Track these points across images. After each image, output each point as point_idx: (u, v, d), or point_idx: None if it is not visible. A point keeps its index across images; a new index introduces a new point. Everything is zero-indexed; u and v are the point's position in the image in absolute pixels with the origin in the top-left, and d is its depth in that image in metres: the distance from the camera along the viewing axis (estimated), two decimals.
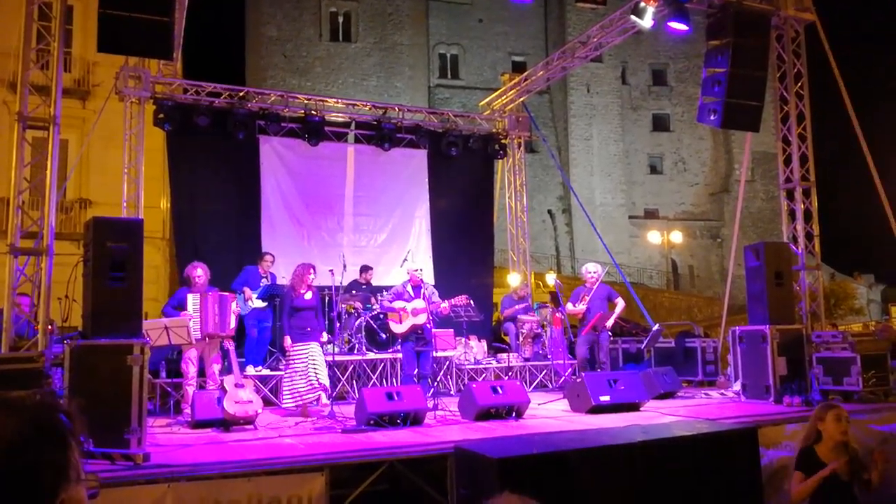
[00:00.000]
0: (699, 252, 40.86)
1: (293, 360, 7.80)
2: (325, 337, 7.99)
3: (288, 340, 7.85)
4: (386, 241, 12.30)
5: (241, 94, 11.37)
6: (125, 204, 10.12)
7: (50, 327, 6.14)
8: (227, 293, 8.19)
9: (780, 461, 6.40)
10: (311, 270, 8.03)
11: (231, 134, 10.91)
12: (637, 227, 39.68)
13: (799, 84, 9.57)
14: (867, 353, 7.80)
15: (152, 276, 16.03)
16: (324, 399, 7.66)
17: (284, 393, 7.92)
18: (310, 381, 7.69)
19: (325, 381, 7.77)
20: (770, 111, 9.83)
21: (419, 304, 8.22)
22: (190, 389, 7.54)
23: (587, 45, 11.44)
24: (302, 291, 7.98)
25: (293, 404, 7.70)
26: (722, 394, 9.16)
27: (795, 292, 8.93)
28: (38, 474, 0.93)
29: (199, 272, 7.89)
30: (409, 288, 8.38)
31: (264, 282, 9.54)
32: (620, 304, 9.57)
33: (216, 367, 7.67)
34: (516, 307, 11.54)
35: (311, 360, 7.74)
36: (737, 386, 8.68)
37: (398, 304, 8.29)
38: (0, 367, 5.46)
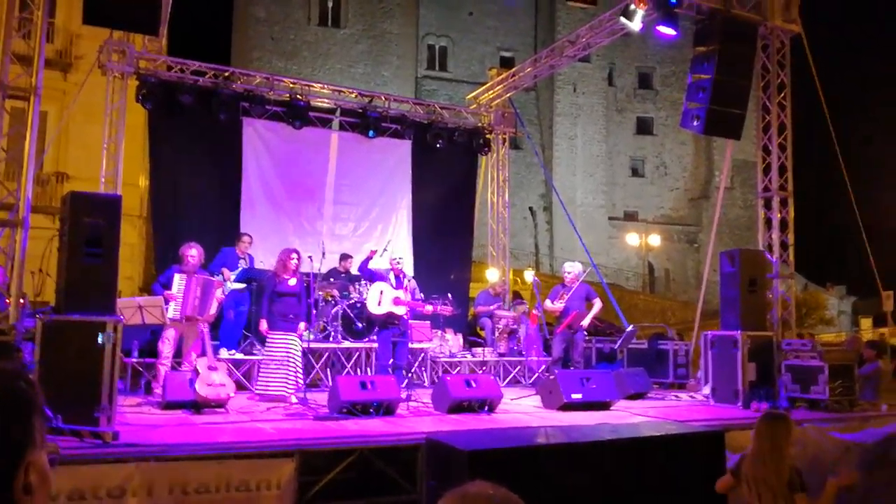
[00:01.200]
0: (676, 256, 41.27)
1: (273, 348, 7.71)
2: (301, 326, 7.90)
3: (264, 324, 7.79)
4: (366, 231, 12.27)
5: (226, 74, 11.26)
6: (103, 180, 9.98)
7: (22, 301, 6.06)
8: (214, 279, 8.13)
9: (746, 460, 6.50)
10: (294, 255, 7.96)
11: (214, 114, 10.80)
12: (616, 228, 39.98)
13: (782, 94, 9.69)
14: (835, 362, 7.94)
15: (127, 254, 15.87)
16: (293, 400, 7.52)
17: (259, 379, 7.88)
18: (287, 375, 7.58)
19: (300, 382, 7.70)
20: (752, 120, 9.95)
21: (402, 295, 8.22)
22: (163, 369, 7.48)
23: (576, 45, 11.48)
24: (286, 277, 7.89)
25: (265, 392, 7.65)
26: (692, 396, 9.28)
27: (768, 300, 9.06)
28: (3, 437, 0.94)
29: (193, 252, 7.83)
30: (391, 276, 8.38)
31: (242, 263, 9.48)
32: (598, 304, 9.62)
33: (194, 354, 7.58)
34: (491, 307, 11.59)
35: (293, 355, 7.64)
36: (706, 389, 8.80)
37: (382, 286, 8.26)
38: None
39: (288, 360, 7.60)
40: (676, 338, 11.51)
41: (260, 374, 7.96)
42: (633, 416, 7.28)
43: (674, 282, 41.02)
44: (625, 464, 5.18)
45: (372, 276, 8.50)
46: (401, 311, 8.20)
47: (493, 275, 13.35)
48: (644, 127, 42.15)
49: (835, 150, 9.81)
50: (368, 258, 8.78)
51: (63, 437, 4.83)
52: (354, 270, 10.95)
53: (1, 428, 0.94)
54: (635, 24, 9.27)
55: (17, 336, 5.49)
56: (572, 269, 9.67)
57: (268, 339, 7.79)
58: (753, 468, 3.94)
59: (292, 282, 7.89)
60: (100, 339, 5.57)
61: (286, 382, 7.54)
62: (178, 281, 7.67)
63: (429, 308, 8.36)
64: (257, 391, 7.84)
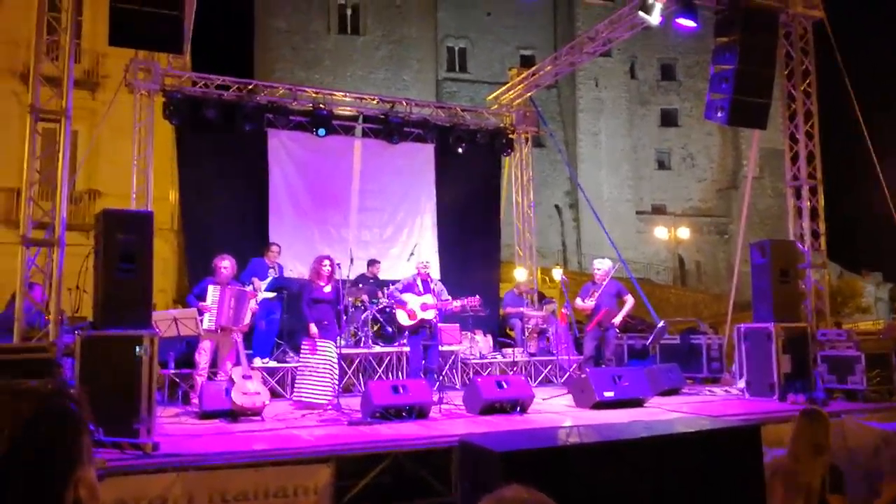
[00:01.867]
0: (706, 248, 40.78)
1: (309, 354, 7.77)
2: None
3: (313, 328, 7.81)
4: (392, 236, 12.34)
5: (249, 87, 11.42)
6: (134, 196, 10.20)
7: (60, 318, 6.22)
8: (247, 289, 8.26)
9: (782, 459, 6.42)
10: (326, 262, 8.03)
11: (239, 127, 10.96)
12: (644, 222, 39.62)
13: (807, 82, 9.55)
14: (872, 351, 7.82)
15: (161, 267, 16.12)
16: (327, 407, 7.56)
17: (296, 386, 7.94)
18: (323, 382, 7.62)
19: (335, 389, 7.76)
20: (777, 108, 9.83)
21: (429, 299, 8.27)
22: (199, 380, 7.62)
23: (595, 41, 11.43)
24: (321, 284, 7.96)
25: (301, 399, 7.71)
26: (726, 391, 9.18)
27: (801, 290, 8.94)
28: (53, 455, 0.99)
29: (226, 264, 7.97)
30: (418, 282, 8.43)
31: (272, 273, 9.61)
32: (630, 301, 9.37)
33: (229, 364, 7.71)
34: (519, 307, 11.58)
35: (329, 361, 7.68)
36: (741, 383, 8.70)
37: (408, 297, 8.33)
38: (12, 357, 5.55)
39: (323, 367, 7.66)
40: (709, 331, 11.38)
41: (296, 381, 8.04)
42: (667, 413, 7.23)
43: (705, 274, 40.54)
44: (659, 461, 5.15)
45: (400, 302, 8.54)
46: (430, 315, 8.25)
47: (521, 274, 13.34)
48: (669, 119, 41.74)
49: (863, 134, 9.64)
50: (392, 293, 8.92)
51: (105, 449, 4.95)
52: (381, 276, 11.05)
53: (51, 446, 0.99)
54: (654, 18, 9.21)
55: (57, 352, 5.64)
56: (602, 265, 9.49)
57: (303, 346, 7.86)
58: (792, 469, 3.85)
59: (327, 289, 7.96)
60: (137, 352, 5.69)
61: (322, 389, 7.61)
62: (211, 292, 7.80)
63: (456, 304, 8.37)
64: (294, 398, 7.91)
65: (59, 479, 0.98)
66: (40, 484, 0.97)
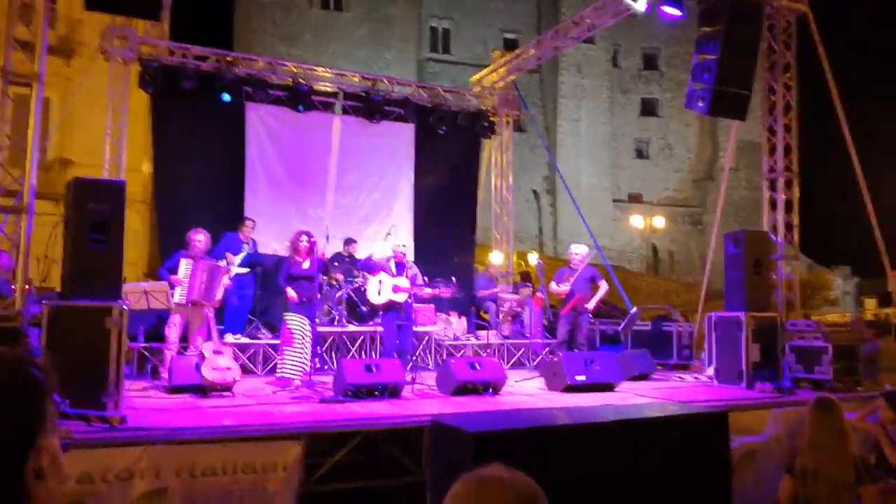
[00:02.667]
0: (680, 238, 41.20)
1: (290, 329, 7.67)
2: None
3: (291, 292, 7.78)
4: (369, 215, 12.26)
5: (228, 58, 11.23)
6: (107, 166, 10.02)
7: (28, 287, 6.09)
8: (220, 264, 8.15)
9: (750, 445, 6.53)
10: (304, 237, 7.95)
11: (217, 99, 10.77)
12: (620, 210, 39.88)
13: (787, 75, 9.63)
14: (839, 343, 7.96)
15: (131, 239, 15.84)
16: (297, 383, 7.50)
17: (282, 361, 7.84)
18: (298, 358, 7.53)
19: (307, 366, 7.69)
20: (757, 101, 9.88)
21: (402, 282, 8.23)
22: (169, 354, 7.53)
23: (580, 26, 11.40)
24: (299, 259, 7.89)
25: (285, 374, 7.61)
26: (696, 378, 9.30)
27: (773, 281, 9.05)
28: (16, 422, 0.95)
29: (200, 237, 7.86)
30: (391, 265, 8.39)
31: (246, 248, 9.52)
32: (604, 286, 9.47)
33: (200, 339, 7.62)
34: (491, 290, 11.61)
35: (305, 338, 7.60)
36: (710, 370, 8.81)
37: (381, 275, 8.29)
38: None
39: (301, 344, 7.59)
40: (680, 319, 11.52)
41: (280, 357, 7.93)
42: (637, 398, 7.31)
43: (678, 263, 40.97)
44: (629, 445, 5.20)
45: (371, 268, 8.52)
46: (401, 297, 8.22)
47: (497, 257, 13.35)
48: (649, 108, 41.92)
49: (841, 130, 9.74)
50: (368, 257, 8.85)
51: (71, 421, 4.87)
52: (359, 255, 10.99)
53: (13, 413, 0.95)
54: (640, 5, 9.20)
55: (23, 321, 5.53)
56: (579, 250, 9.56)
57: (287, 320, 7.76)
58: (814, 460, 3.70)
59: (306, 265, 7.89)
60: (106, 324, 5.60)
61: (297, 365, 7.55)
62: (184, 266, 7.70)
63: (427, 291, 8.37)
64: (278, 374, 7.77)
65: (21, 447, 0.95)
66: (1, 451, 0.93)
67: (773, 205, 9.59)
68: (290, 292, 7.79)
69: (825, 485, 3.63)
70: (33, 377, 1.00)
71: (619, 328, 10.53)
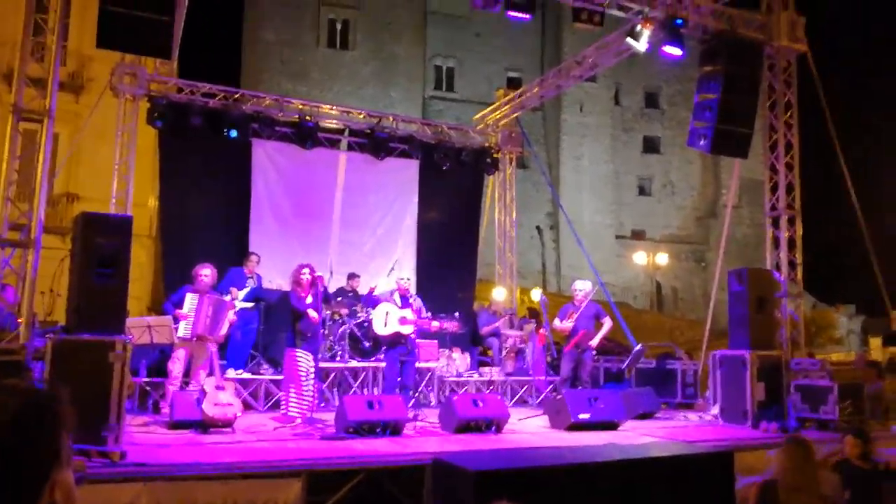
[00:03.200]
0: (683, 275, 41.13)
1: (299, 366, 7.63)
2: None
3: (312, 313, 7.77)
4: (372, 250, 12.30)
5: (235, 95, 11.38)
6: (114, 200, 10.09)
7: (32, 320, 6.10)
8: (226, 299, 8.17)
9: (754, 486, 6.45)
10: (305, 270, 7.96)
11: (224, 135, 10.90)
12: (623, 247, 39.89)
13: (788, 113, 9.71)
14: (845, 382, 7.89)
15: (136, 274, 15.84)
16: (297, 420, 7.48)
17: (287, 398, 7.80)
18: (302, 395, 7.52)
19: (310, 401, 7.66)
20: (758, 139, 9.96)
21: (408, 314, 8.22)
22: (172, 389, 7.50)
23: (582, 65, 11.56)
24: (302, 295, 7.89)
25: (290, 412, 7.57)
26: (700, 416, 9.22)
27: (777, 319, 9.03)
28: (33, 454, 0.96)
29: (207, 272, 7.90)
30: (396, 297, 8.39)
31: (250, 283, 9.54)
32: (608, 323, 9.40)
33: (203, 374, 7.61)
34: (493, 325, 11.57)
35: (309, 374, 7.57)
36: (715, 409, 8.74)
37: (388, 308, 8.27)
38: None
39: (306, 380, 7.56)
40: (685, 357, 11.45)
41: (284, 394, 7.89)
42: (642, 437, 7.24)
43: (682, 300, 40.84)
44: (633, 485, 5.15)
45: (374, 303, 8.52)
46: (407, 329, 8.20)
47: (500, 293, 13.34)
48: (651, 146, 42.21)
49: (841, 168, 9.81)
50: (370, 291, 8.86)
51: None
52: (362, 290, 11.00)
53: (28, 446, 0.96)
54: (641, 45, 9.33)
55: (27, 355, 5.53)
56: (583, 287, 9.50)
57: (287, 358, 7.74)
58: (786, 498, 3.78)
59: (308, 299, 7.89)
60: (109, 358, 5.60)
61: (301, 403, 7.52)
62: (189, 300, 7.72)
63: (435, 324, 8.35)
64: (283, 411, 7.73)
65: (35, 480, 0.96)
66: (15, 483, 0.94)
67: (776, 242, 9.60)
68: (312, 313, 7.74)
69: None
70: (49, 410, 1.01)
71: (624, 365, 10.47)
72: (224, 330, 7.90)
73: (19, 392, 1.02)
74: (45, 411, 1.00)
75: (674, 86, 41.05)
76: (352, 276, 11.07)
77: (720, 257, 12.27)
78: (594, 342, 9.29)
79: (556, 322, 9.50)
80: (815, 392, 7.96)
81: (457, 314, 9.77)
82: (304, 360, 7.58)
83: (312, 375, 7.59)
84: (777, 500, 3.90)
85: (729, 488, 5.63)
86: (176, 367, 7.66)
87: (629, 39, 9.52)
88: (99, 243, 5.86)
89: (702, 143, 9.20)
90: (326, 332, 9.62)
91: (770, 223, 9.78)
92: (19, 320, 5.93)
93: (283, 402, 7.71)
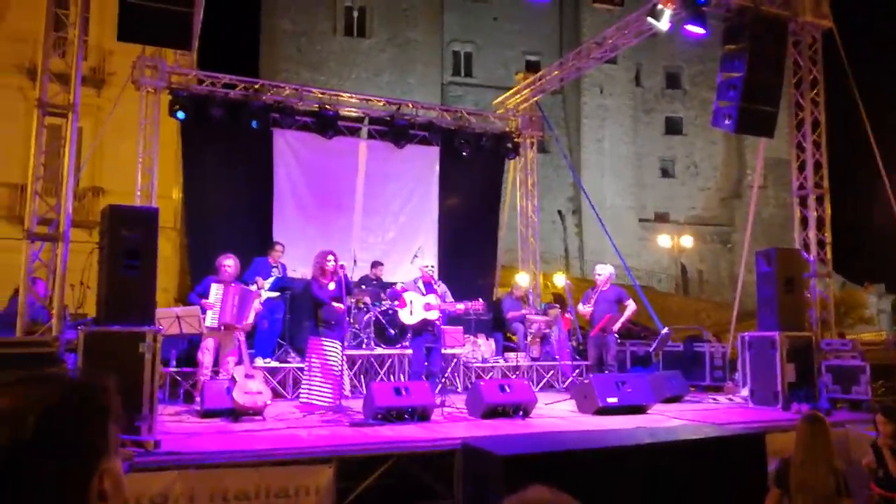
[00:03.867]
0: (709, 257, 40.71)
1: (322, 354, 7.59)
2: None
3: (337, 303, 7.72)
4: (395, 238, 12.32)
5: (255, 86, 11.41)
6: (139, 193, 10.18)
7: (63, 313, 6.19)
8: (251, 288, 8.23)
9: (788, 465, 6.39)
10: (330, 257, 7.93)
11: (245, 126, 10.95)
12: (647, 230, 39.57)
13: (815, 91, 9.54)
14: (877, 362, 7.78)
15: (162, 266, 15.94)
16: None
17: (303, 387, 7.80)
18: (326, 385, 7.43)
19: (345, 390, 7.63)
20: (784, 117, 9.79)
21: (432, 299, 8.20)
22: (202, 379, 7.59)
23: (602, 46, 11.43)
24: (325, 281, 7.85)
25: (308, 401, 7.55)
26: (730, 399, 9.14)
27: (806, 299, 8.90)
28: (78, 443, 0.96)
29: (230, 262, 7.96)
30: (420, 284, 8.39)
31: (275, 272, 9.59)
32: (631, 306, 9.29)
33: (231, 361, 7.70)
34: (521, 312, 11.53)
35: (336, 363, 7.51)
36: (745, 392, 8.66)
37: (411, 295, 8.26)
38: (15, 351, 5.53)
39: (328, 368, 7.56)
40: (713, 339, 11.36)
41: (302, 383, 7.91)
42: (671, 420, 7.20)
43: (707, 283, 40.46)
44: (663, 468, 5.12)
45: (397, 297, 8.47)
46: (433, 315, 8.18)
47: (523, 279, 13.31)
48: (673, 127, 41.71)
49: (870, 144, 9.61)
50: (393, 287, 8.87)
51: None
52: (385, 278, 11.03)
53: (76, 435, 0.96)
54: (663, 24, 9.20)
55: (60, 347, 5.62)
56: (602, 271, 9.44)
57: (310, 346, 7.74)
58: (800, 475, 3.83)
59: (331, 286, 7.87)
60: (140, 348, 5.67)
61: (324, 390, 7.51)
62: (215, 290, 7.79)
63: (460, 307, 8.32)
64: (302, 400, 7.72)
65: (84, 469, 0.96)
66: (64, 473, 0.94)
67: (804, 222, 9.46)
68: (337, 304, 7.70)
69: (807, 497, 3.74)
70: (96, 398, 1.02)
71: (651, 349, 10.40)
72: (251, 318, 7.96)
73: (64, 382, 1.02)
74: (92, 400, 1.00)
75: (695, 65, 40.47)
76: (375, 265, 11.09)
77: (747, 238, 12.12)
78: (616, 326, 9.20)
79: (580, 307, 9.49)
80: (846, 372, 7.86)
81: (480, 300, 9.77)
82: (330, 348, 7.59)
83: (340, 363, 7.61)
84: (788, 476, 3.92)
85: (761, 470, 5.57)
86: (206, 357, 7.74)
87: (650, 19, 9.39)
88: (126, 236, 5.92)
89: (727, 122, 9.07)
90: (352, 320, 9.65)
91: (798, 202, 9.63)
92: (50, 313, 6.02)
93: (306, 391, 7.69)
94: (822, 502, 3.72)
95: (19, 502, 0.91)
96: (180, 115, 10.54)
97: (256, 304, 8.03)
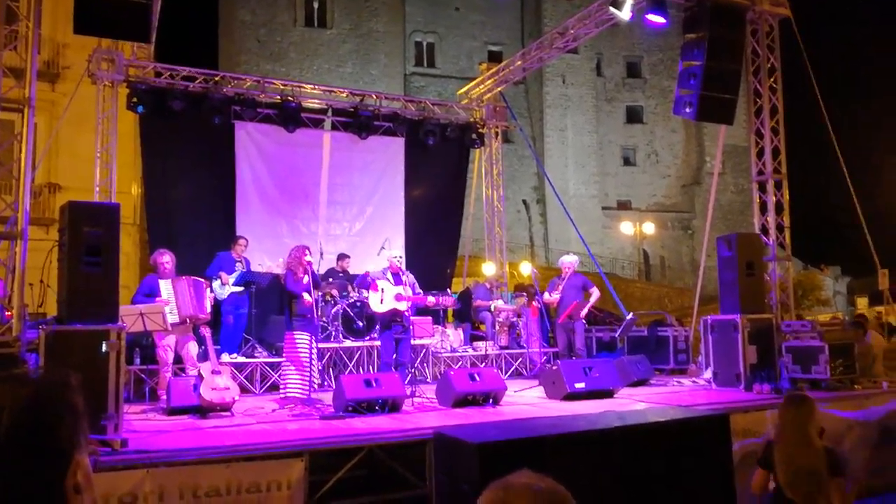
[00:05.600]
0: (670, 243, 41.39)
1: (297, 348, 7.56)
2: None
3: (307, 296, 7.67)
4: (361, 230, 12.26)
5: (216, 78, 11.23)
6: (98, 189, 9.96)
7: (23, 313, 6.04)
8: (200, 279, 8.12)
9: (751, 447, 6.55)
10: (307, 251, 7.88)
11: (206, 119, 10.76)
12: (610, 218, 40.06)
13: (772, 78, 9.72)
14: (835, 342, 8.00)
15: (123, 262, 15.68)
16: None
17: (284, 381, 7.76)
18: (304, 376, 7.46)
19: (316, 383, 7.61)
20: (741, 105, 9.97)
21: (403, 291, 8.19)
22: (167, 376, 7.48)
23: (564, 36, 11.49)
24: (301, 275, 7.79)
25: (291, 394, 7.52)
26: (693, 381, 9.33)
27: (766, 283, 9.11)
28: (53, 439, 0.96)
29: (167, 258, 7.84)
30: (388, 275, 8.36)
31: (239, 267, 9.49)
32: (595, 293, 9.72)
33: (192, 348, 7.61)
34: (491, 301, 11.62)
35: (310, 355, 7.53)
36: (708, 374, 8.85)
37: (382, 283, 8.24)
38: None
39: (308, 361, 7.53)
40: (676, 324, 11.56)
41: (284, 377, 7.85)
42: (637, 403, 7.33)
43: (669, 269, 41.14)
44: (632, 450, 5.21)
45: (367, 285, 8.46)
46: (403, 306, 8.18)
47: (489, 269, 13.39)
48: (634, 116, 42.24)
49: (827, 130, 9.86)
50: (365, 274, 8.84)
51: None
52: (351, 270, 10.98)
53: (50, 432, 0.96)
54: (625, 13, 9.29)
55: (21, 348, 5.49)
56: (568, 259, 9.92)
57: (287, 341, 7.69)
58: (787, 455, 3.85)
59: (305, 279, 7.82)
60: (103, 348, 5.57)
61: (302, 385, 7.48)
62: (164, 287, 7.65)
63: (431, 300, 8.35)
64: (289, 394, 7.63)
65: (58, 464, 0.96)
66: (41, 469, 0.94)
67: (763, 207, 9.66)
68: (307, 296, 7.67)
69: (798, 477, 3.76)
70: (67, 396, 1.02)
71: (616, 335, 10.56)
72: (209, 307, 7.86)
73: (31, 381, 1.02)
74: (61, 398, 1.00)
75: (655, 55, 41.01)
76: (342, 257, 11.05)
77: (708, 224, 12.35)
78: (582, 312, 9.52)
79: (546, 295, 9.76)
80: (806, 353, 8.07)
81: (449, 290, 9.81)
82: (303, 341, 7.55)
83: (315, 356, 7.59)
84: (772, 457, 3.95)
85: (726, 450, 5.71)
86: (168, 354, 7.63)
87: (612, 9, 9.48)
88: (86, 232, 5.80)
89: (688, 110, 9.21)
90: (319, 313, 9.59)
91: (757, 188, 9.83)
92: (8, 313, 5.87)
93: (282, 385, 7.68)
94: (813, 481, 3.74)
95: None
96: (140, 108, 10.33)
97: (209, 293, 7.95)
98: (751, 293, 8.51)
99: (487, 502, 1.19)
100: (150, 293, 7.71)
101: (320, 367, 9.16)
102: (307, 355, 7.50)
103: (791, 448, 3.87)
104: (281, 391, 7.79)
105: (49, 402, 1.00)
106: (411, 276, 8.54)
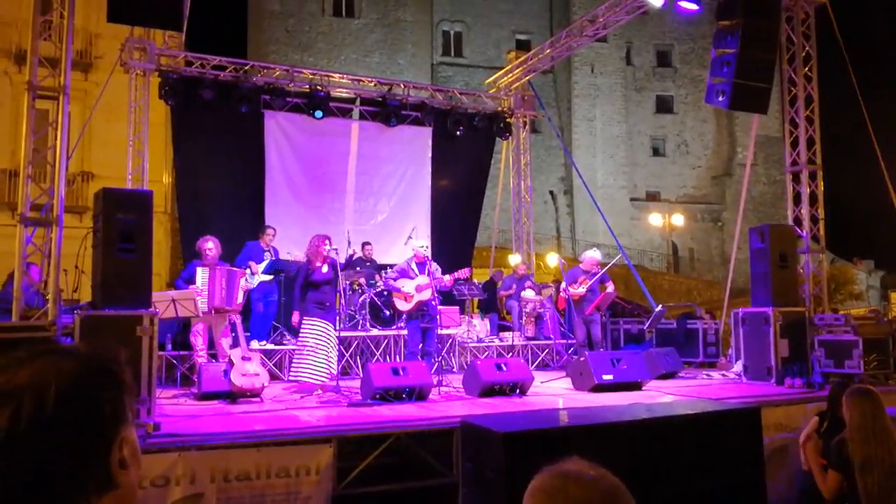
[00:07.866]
0: (700, 235, 40.85)
1: (308, 334, 7.59)
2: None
3: (296, 317, 7.81)
4: (388, 219, 12.30)
5: (246, 67, 11.31)
6: (130, 177, 10.11)
7: (58, 298, 6.15)
8: (236, 269, 8.21)
9: (781, 441, 6.47)
10: (327, 241, 7.88)
11: (235, 108, 10.86)
12: (638, 209, 39.64)
13: (808, 66, 9.53)
14: (869, 336, 7.85)
15: (154, 250, 15.91)
16: (318, 392, 7.43)
17: (293, 365, 7.85)
18: (318, 363, 7.47)
19: (334, 370, 7.69)
20: (775, 94, 9.79)
21: (423, 280, 8.21)
22: (198, 361, 7.59)
23: (594, 24, 11.37)
24: (318, 264, 7.82)
25: (297, 378, 7.59)
26: (723, 375, 9.22)
27: (799, 275, 8.96)
28: (99, 413, 0.97)
29: (210, 245, 7.94)
30: (413, 265, 8.37)
31: (268, 256, 9.57)
32: (611, 286, 9.87)
33: (225, 342, 7.71)
34: (518, 290, 11.63)
35: (327, 342, 7.55)
36: (738, 367, 8.74)
37: (402, 284, 8.26)
38: (12, 335, 5.51)
39: (320, 347, 7.56)
40: (706, 316, 11.43)
41: (293, 361, 7.96)
42: (666, 396, 7.27)
43: (698, 261, 40.64)
44: (661, 442, 5.17)
45: (395, 289, 8.47)
46: (426, 295, 8.18)
47: (515, 259, 13.35)
48: (664, 105, 41.63)
49: (863, 120, 9.63)
50: (387, 279, 8.91)
51: None
52: (377, 258, 11.03)
53: (97, 403, 0.97)
54: (657, 1, 9.15)
55: (56, 331, 5.60)
56: (596, 255, 10.02)
57: (302, 326, 7.75)
58: (862, 450, 3.63)
59: (325, 269, 7.86)
60: (137, 332, 5.66)
61: (317, 370, 7.51)
62: (201, 274, 7.76)
63: (447, 278, 8.33)
64: (291, 377, 7.79)
65: (105, 439, 0.97)
66: (87, 443, 0.95)
67: (797, 198, 9.49)
68: (296, 317, 7.83)
69: (879, 474, 3.54)
70: (113, 367, 1.03)
71: (645, 326, 10.47)
72: (241, 298, 7.94)
73: (79, 354, 1.03)
74: (109, 371, 1.01)
75: (686, 43, 40.34)
76: (365, 245, 11.07)
77: (739, 216, 12.16)
78: (605, 305, 9.67)
79: (573, 288, 9.73)
80: (839, 347, 7.93)
81: (475, 281, 9.81)
82: (314, 328, 7.57)
83: (333, 343, 7.62)
84: (848, 454, 3.71)
85: (757, 444, 5.65)
86: (198, 340, 7.74)
87: None
88: (120, 219, 5.88)
89: (720, 99, 9.06)
90: (346, 302, 9.66)
91: (791, 179, 9.66)
92: (45, 298, 5.99)
93: (298, 370, 7.68)
94: (888, 474, 3.52)
95: (45, 473, 0.92)
96: (170, 98, 10.45)
97: (243, 283, 8.02)
98: (783, 286, 8.38)
99: (544, 490, 1.16)
100: (189, 279, 7.83)
101: (345, 356, 9.22)
102: (315, 341, 7.52)
103: (869, 445, 3.62)
104: (291, 376, 7.81)
105: (98, 375, 1.01)
106: (435, 265, 8.52)
